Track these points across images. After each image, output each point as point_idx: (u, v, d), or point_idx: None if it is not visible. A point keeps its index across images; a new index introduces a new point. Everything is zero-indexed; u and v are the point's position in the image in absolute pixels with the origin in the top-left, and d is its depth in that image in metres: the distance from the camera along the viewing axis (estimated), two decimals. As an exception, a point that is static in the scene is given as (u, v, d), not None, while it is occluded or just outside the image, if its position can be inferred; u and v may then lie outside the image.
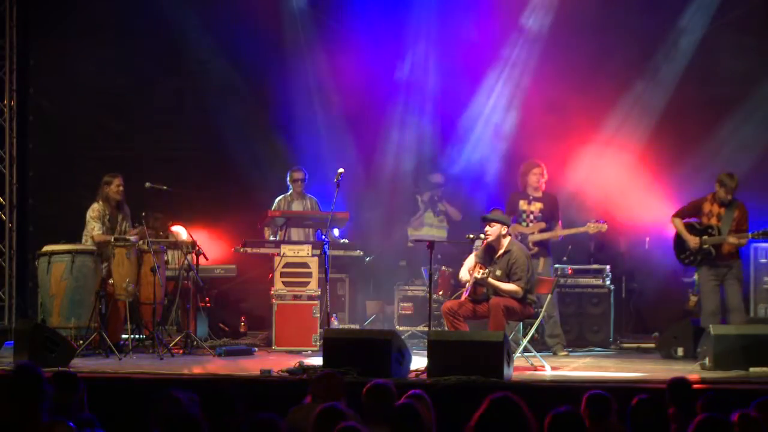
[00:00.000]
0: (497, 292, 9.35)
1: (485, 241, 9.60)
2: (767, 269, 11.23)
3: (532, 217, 10.94)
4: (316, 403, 5.70)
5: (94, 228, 10.37)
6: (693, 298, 11.01)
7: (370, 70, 12.34)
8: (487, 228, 9.55)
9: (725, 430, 4.46)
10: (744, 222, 10.00)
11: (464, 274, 9.66)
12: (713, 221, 10.02)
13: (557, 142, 11.83)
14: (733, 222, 9.99)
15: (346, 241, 11.56)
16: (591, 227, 10.77)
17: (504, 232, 9.57)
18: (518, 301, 9.34)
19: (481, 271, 9.27)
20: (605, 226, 10.75)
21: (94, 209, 10.44)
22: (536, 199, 10.96)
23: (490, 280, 9.29)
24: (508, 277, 9.40)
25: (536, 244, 10.73)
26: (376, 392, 5.40)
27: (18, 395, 4.41)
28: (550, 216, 10.95)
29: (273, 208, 11.60)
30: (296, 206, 11.70)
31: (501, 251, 9.53)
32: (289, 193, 11.81)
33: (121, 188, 10.48)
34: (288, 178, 11.82)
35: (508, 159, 12.20)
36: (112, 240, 10.06)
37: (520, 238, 10.44)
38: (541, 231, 10.85)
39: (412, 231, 12.28)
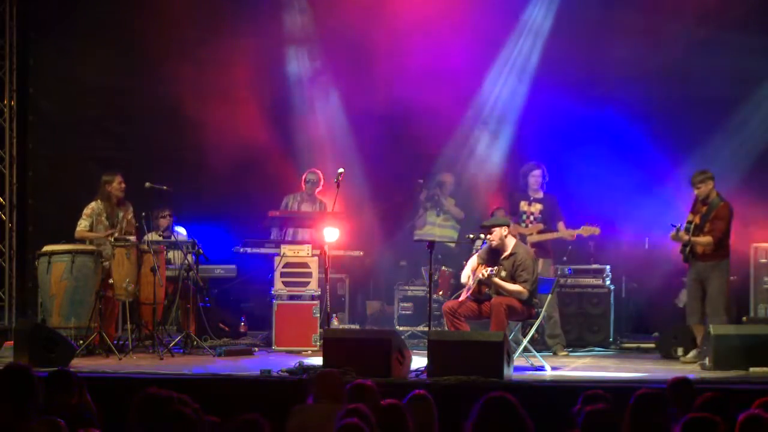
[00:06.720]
0: (500, 291, 9.32)
1: (490, 244, 9.57)
2: (767, 269, 11.21)
3: (531, 218, 10.94)
4: (318, 403, 5.68)
5: (80, 224, 10.38)
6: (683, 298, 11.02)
7: (374, 68, 12.36)
8: (489, 236, 9.51)
9: (712, 429, 4.45)
10: (717, 222, 9.76)
11: (466, 276, 9.60)
12: (697, 219, 9.97)
13: (558, 141, 11.84)
14: (707, 222, 9.84)
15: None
16: (584, 230, 10.78)
17: (505, 233, 9.54)
18: (521, 302, 9.32)
19: (487, 269, 9.26)
20: (598, 230, 10.75)
21: (89, 207, 10.43)
22: (536, 200, 10.96)
23: (495, 279, 9.27)
24: (513, 279, 9.35)
25: (534, 245, 10.70)
26: (359, 392, 5.35)
27: (8, 396, 4.40)
28: (550, 217, 10.95)
29: (282, 206, 11.61)
30: (305, 207, 11.65)
31: (506, 253, 9.49)
32: (300, 193, 11.76)
33: (123, 185, 10.47)
34: (302, 178, 11.77)
35: (511, 157, 12.22)
36: (95, 235, 10.19)
37: (518, 238, 10.42)
38: (540, 232, 10.84)
39: (417, 231, 12.22)
